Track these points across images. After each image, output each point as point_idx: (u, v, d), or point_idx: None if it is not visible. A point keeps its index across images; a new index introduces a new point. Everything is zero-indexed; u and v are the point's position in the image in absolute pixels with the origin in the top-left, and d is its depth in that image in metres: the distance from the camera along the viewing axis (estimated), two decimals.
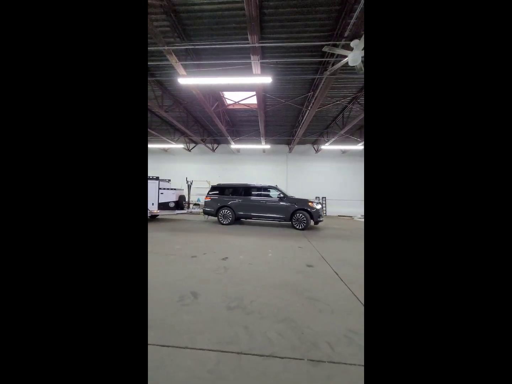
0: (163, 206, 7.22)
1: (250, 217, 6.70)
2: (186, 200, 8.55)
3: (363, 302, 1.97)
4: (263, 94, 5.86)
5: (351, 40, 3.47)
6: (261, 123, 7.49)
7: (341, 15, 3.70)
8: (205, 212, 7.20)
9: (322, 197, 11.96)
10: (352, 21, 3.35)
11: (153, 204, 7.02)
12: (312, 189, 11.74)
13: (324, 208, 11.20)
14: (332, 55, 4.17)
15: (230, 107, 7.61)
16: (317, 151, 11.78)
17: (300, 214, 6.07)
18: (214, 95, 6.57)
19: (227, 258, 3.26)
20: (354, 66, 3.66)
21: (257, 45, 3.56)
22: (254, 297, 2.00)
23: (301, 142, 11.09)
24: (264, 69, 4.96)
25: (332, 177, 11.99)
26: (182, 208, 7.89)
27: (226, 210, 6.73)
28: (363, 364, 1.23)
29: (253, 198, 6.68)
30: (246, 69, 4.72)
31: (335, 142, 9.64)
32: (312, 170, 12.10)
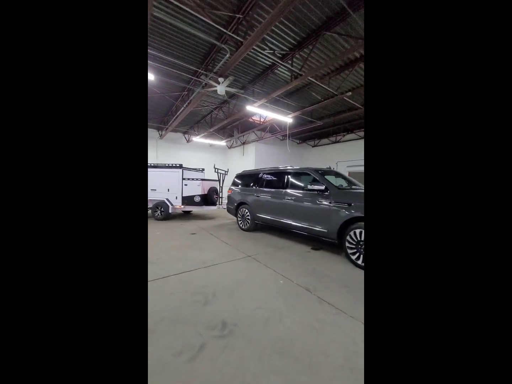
0: (187, 200, 5.74)
1: (269, 223, 4.05)
2: (218, 192, 6.49)
3: (226, 242, 3.69)
4: None
5: (220, 76, 4.97)
6: None
7: (212, 50, 5.03)
8: (228, 210, 5.37)
9: None
10: (221, 64, 4.82)
11: (176, 198, 5.69)
12: None
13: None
14: (206, 76, 5.45)
15: None
16: (188, 141, 12.72)
17: (361, 230, 2.57)
18: None
19: None
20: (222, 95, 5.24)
21: None
22: (160, 255, 2.99)
23: (173, 131, 11.42)
24: None
25: (202, 166, 13.64)
26: (213, 204, 6.14)
27: (244, 209, 4.65)
28: (225, 261, 2.84)
29: (273, 191, 4.01)
30: None
31: (204, 137, 11.20)
32: (183, 158, 12.88)
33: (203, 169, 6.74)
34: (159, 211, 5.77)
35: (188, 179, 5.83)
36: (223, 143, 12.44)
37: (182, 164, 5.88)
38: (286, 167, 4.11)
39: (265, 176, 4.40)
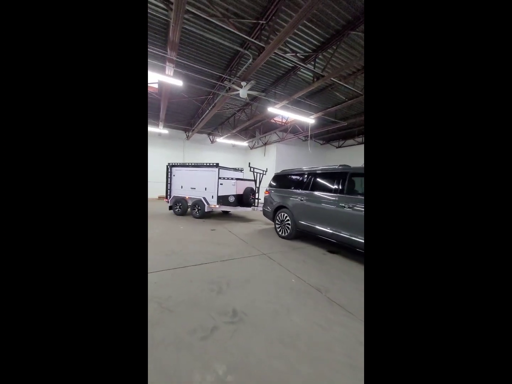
0: (222, 200, 5.70)
1: (315, 233, 3.49)
2: (255, 193, 6.15)
3: (243, 239, 3.84)
4: (169, 88, 6.27)
5: (243, 80, 5.16)
6: (163, 110, 7.66)
7: (236, 56, 5.25)
8: (264, 213, 4.84)
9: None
10: (243, 68, 5.01)
11: (212, 197, 5.70)
12: None
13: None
14: (229, 81, 5.70)
15: None
16: (212, 142, 13.27)
17: None
18: None
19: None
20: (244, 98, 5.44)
21: (174, 58, 4.25)
22: (183, 247, 3.24)
23: (199, 132, 12.05)
24: (175, 72, 5.54)
25: (224, 165, 14.12)
26: (249, 205, 5.93)
27: (284, 214, 4.08)
28: (240, 257, 2.98)
29: (322, 196, 3.42)
30: (156, 66, 5.09)
31: (227, 137, 11.59)
32: (207, 158, 13.47)
33: (242, 169, 6.64)
34: (196, 209, 5.93)
35: (224, 178, 5.72)
36: (245, 143, 12.72)
37: (218, 163, 5.81)
38: (340, 166, 3.42)
39: (312, 177, 3.76)
